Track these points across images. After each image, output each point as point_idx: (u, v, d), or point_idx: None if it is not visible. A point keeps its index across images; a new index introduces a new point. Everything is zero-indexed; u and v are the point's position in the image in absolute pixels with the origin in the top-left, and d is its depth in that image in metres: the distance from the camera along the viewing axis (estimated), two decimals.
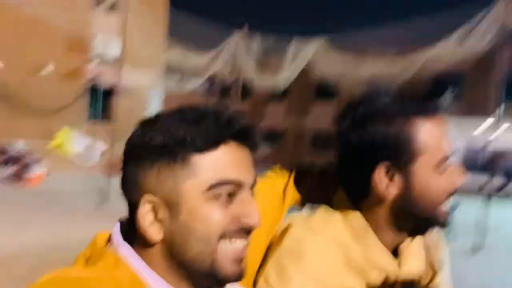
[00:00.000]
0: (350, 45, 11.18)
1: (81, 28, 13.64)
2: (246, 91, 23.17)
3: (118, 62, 10.16)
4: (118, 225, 0.66)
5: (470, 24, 8.88)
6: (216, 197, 0.61)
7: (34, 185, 11.16)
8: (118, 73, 10.53)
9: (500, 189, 19.63)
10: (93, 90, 15.01)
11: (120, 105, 15.41)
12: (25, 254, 5.45)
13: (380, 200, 0.86)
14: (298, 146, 28.04)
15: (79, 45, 14.02)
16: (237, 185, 0.62)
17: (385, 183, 0.84)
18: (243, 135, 0.64)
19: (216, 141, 0.61)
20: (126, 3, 9.85)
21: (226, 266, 0.62)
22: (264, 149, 28.42)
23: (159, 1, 14.99)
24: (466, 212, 12.04)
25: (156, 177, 0.61)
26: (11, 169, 11.81)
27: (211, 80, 23.53)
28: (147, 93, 16.41)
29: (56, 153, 13.56)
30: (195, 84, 16.22)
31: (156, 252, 0.62)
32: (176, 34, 15.06)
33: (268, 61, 13.09)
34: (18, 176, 11.61)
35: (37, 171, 11.50)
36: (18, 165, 11.89)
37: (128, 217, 0.65)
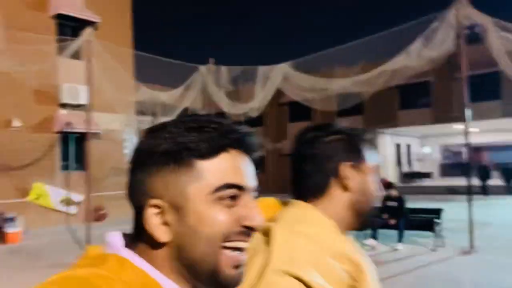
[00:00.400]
0: (314, 66, 11.51)
1: (47, 79, 13.52)
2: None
3: (87, 109, 10.05)
4: (113, 233, 0.68)
5: (427, 32, 9.25)
6: (220, 200, 0.64)
7: (13, 242, 10.78)
8: (88, 120, 10.42)
9: (482, 190, 20.09)
10: (64, 140, 14.77)
11: (93, 152, 15.19)
12: None
13: None
14: (279, 169, 28.13)
15: (46, 96, 13.86)
16: (240, 189, 0.65)
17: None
18: (244, 143, 0.67)
19: (219, 148, 0.64)
20: (89, 50, 9.86)
21: (227, 270, 0.64)
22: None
23: (123, 45, 15.07)
24: (453, 215, 12.27)
25: (162, 182, 0.64)
26: None
27: (185, 114, 23.52)
28: (121, 136, 16.26)
29: (35, 207, 13.18)
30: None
31: (162, 255, 0.64)
32: (143, 75, 15.13)
33: (238, 90, 13.25)
34: None
35: (14, 229, 11.14)
36: None
37: (134, 223, 0.67)
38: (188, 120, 0.66)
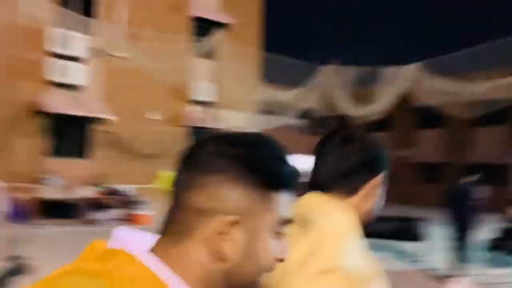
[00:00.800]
0: (446, 69, 10.45)
1: (181, 76, 14.70)
2: (343, 124, 22.78)
3: (214, 106, 10.62)
4: (120, 228, 0.67)
5: None
6: (278, 234, 0.67)
7: (142, 224, 11.88)
8: (217, 116, 10.99)
9: None
10: (194, 133, 15.89)
11: None
12: None
13: None
14: (405, 178, 26.49)
15: (180, 93, 15.07)
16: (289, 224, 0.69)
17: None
18: (295, 181, 0.70)
19: (291, 183, 0.67)
20: (219, 50, 10.40)
21: None
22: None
23: (252, 45, 15.65)
24: None
25: (248, 201, 0.63)
26: (120, 210, 12.78)
27: (307, 115, 23.63)
28: None
29: (163, 195, 14.41)
30: (288, 121, 16.36)
31: (202, 268, 0.63)
32: (268, 75, 15.50)
33: (362, 92, 12.75)
34: (126, 216, 12.51)
35: (144, 212, 12.28)
36: (127, 206, 12.84)
37: (172, 223, 0.64)
38: (274, 147, 0.67)
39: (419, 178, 26.12)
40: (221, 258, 0.62)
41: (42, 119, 12.66)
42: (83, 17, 12.89)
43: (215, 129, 15.35)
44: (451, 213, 6.92)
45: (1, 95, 10.74)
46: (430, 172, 25.26)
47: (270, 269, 0.66)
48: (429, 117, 23.34)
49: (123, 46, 12.90)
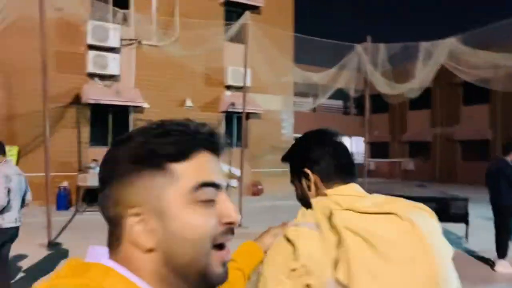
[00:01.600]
0: (488, 40, 9.87)
1: (214, 62, 14.76)
2: (380, 103, 22.21)
3: (247, 90, 10.62)
4: (94, 246, 0.68)
5: None
6: (199, 202, 0.63)
7: None
8: (248, 100, 10.99)
9: None
10: (229, 119, 15.98)
11: (253, 131, 16.10)
12: None
13: None
14: (447, 157, 25.62)
15: (214, 78, 15.15)
16: (215, 187, 0.65)
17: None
18: (212, 143, 0.68)
19: (188, 149, 0.64)
20: (247, 33, 10.33)
21: (216, 269, 0.64)
22: (412, 162, 26.79)
23: (284, 27, 15.44)
24: None
25: (139, 189, 0.63)
26: None
27: (343, 96, 23.18)
28: (279, 116, 16.84)
29: None
30: (322, 102, 16.13)
31: (145, 263, 0.63)
32: (301, 56, 15.27)
33: (399, 69, 12.33)
34: None
35: None
36: None
37: (109, 237, 0.66)
38: (154, 127, 0.66)
39: (464, 156, 25.16)
40: (148, 251, 0.62)
41: (83, 109, 13.12)
42: (115, 8, 13.13)
43: (250, 113, 15.39)
44: (490, 191, 6.63)
45: (39, 89, 11.25)
46: (476, 150, 24.25)
47: (212, 239, 0.63)
48: (473, 92, 22.30)
49: (155, 35, 13.07)
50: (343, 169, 1.20)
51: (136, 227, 0.62)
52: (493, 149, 23.19)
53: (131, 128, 14.05)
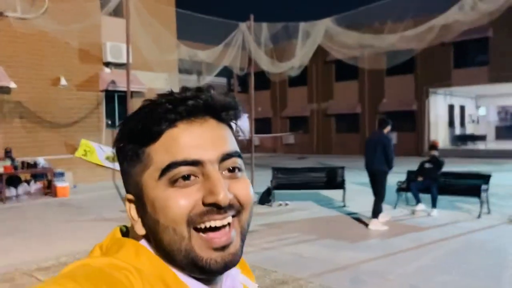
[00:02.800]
0: (359, 22, 10.85)
1: (90, 37, 13.74)
2: (263, 81, 22.99)
3: (128, 67, 10.15)
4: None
5: None
6: (172, 183, 0.59)
7: (63, 196, 11.37)
8: (130, 78, 10.53)
9: None
10: (110, 98, 15.13)
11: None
12: (55, 263, 5.53)
13: None
14: (324, 130, 27.71)
15: (91, 55, 14.12)
16: (193, 165, 0.59)
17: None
18: (198, 111, 0.61)
19: (159, 129, 0.59)
20: (128, 7, 9.82)
21: (203, 253, 0.59)
22: (292, 135, 28.39)
23: (165, 3, 14.94)
24: (506, 181, 11.62)
25: (128, 176, 0.64)
26: (37, 184, 12.11)
27: (227, 73, 23.47)
28: None
29: (83, 163, 13.79)
30: (209, 80, 16.17)
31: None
32: (185, 33, 15.01)
33: (279, 48, 12.87)
34: (47, 189, 11.90)
35: (64, 184, 11.72)
36: (46, 179, 12.18)
37: None
38: (144, 105, 0.62)
39: (338, 129, 27.44)
40: (142, 236, 0.63)
41: None
42: None
43: (133, 92, 14.75)
44: (368, 159, 7.41)
45: None
46: (348, 123, 26.61)
47: (188, 222, 0.58)
48: (344, 69, 24.30)
49: (19, 6, 11.68)
50: None
51: (130, 213, 0.64)
52: (363, 122, 25.74)
53: (1, 111, 12.54)
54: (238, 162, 0.62)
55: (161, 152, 0.59)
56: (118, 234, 0.66)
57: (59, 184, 11.58)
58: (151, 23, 11.87)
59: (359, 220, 7.96)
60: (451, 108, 25.92)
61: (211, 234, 0.59)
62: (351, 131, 26.29)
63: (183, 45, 13.46)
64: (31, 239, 7.02)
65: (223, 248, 0.59)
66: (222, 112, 0.63)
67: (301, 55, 11.12)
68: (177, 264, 0.60)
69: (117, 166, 8.73)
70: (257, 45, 11.56)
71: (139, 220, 0.62)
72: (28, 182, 11.99)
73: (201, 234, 0.59)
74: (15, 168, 11.24)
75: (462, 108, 27.31)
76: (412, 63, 21.87)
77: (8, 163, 11.07)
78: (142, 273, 0.57)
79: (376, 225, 7.24)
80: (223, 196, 0.58)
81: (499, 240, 6.53)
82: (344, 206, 9.25)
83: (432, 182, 8.35)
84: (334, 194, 10.08)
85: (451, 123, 25.89)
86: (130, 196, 0.63)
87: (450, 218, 8.01)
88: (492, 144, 25.84)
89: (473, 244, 6.35)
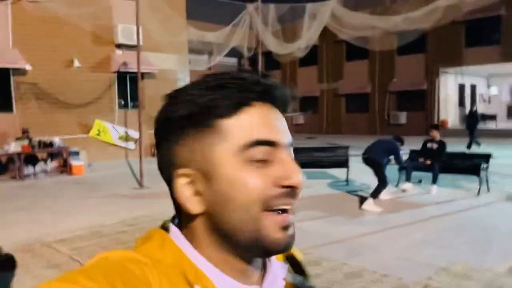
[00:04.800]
0: (364, 2, 10.93)
1: (102, 20, 14.00)
2: (273, 61, 23.08)
3: (139, 49, 10.41)
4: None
5: None
6: (251, 161, 0.57)
7: (77, 174, 11.85)
8: (141, 60, 10.80)
9: None
10: (121, 80, 15.47)
11: (149, 91, 15.83)
12: (71, 236, 5.95)
13: None
14: (333, 110, 27.77)
15: (103, 37, 14.42)
16: (272, 145, 0.58)
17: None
18: (271, 95, 0.61)
19: (240, 103, 0.58)
20: None
21: (272, 233, 0.58)
22: (302, 115, 28.50)
23: None
24: (502, 160, 11.76)
25: (188, 148, 0.59)
26: (53, 162, 12.58)
27: (237, 53, 23.54)
28: (174, 75, 16.72)
29: (97, 143, 14.25)
30: (217, 60, 16.34)
31: (199, 228, 0.60)
32: (192, 14, 15.14)
33: (287, 28, 12.99)
34: (63, 168, 12.37)
35: (78, 162, 12.19)
36: (62, 158, 12.65)
37: (172, 199, 0.62)
38: (209, 80, 0.60)
39: (348, 109, 27.48)
40: (197, 215, 0.60)
41: None
42: None
43: (144, 73, 15.04)
44: (369, 150, 7.69)
45: None
46: (358, 102, 26.63)
47: (264, 203, 0.57)
48: (355, 49, 24.21)
49: None
50: None
51: (184, 189, 0.59)
52: (372, 102, 25.75)
53: (13, 92, 12.98)
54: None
55: (238, 128, 0.58)
56: (157, 227, 0.64)
57: (74, 162, 12.06)
58: (161, 5, 12.07)
59: (360, 197, 8.26)
60: (461, 87, 25.76)
61: (280, 216, 0.58)
62: (361, 111, 26.35)
63: (192, 26, 13.64)
64: (48, 213, 7.46)
65: (287, 228, 0.59)
66: (288, 103, 0.64)
67: (307, 36, 11.25)
68: (234, 244, 0.59)
69: (129, 145, 9.20)
70: (264, 26, 11.71)
71: (196, 197, 0.59)
72: (45, 161, 12.47)
73: (272, 214, 0.58)
74: (33, 147, 11.72)
75: (473, 88, 27.11)
76: (423, 42, 21.76)
77: (25, 142, 11.54)
78: (161, 264, 0.56)
79: (369, 205, 7.42)
80: (301, 180, 0.59)
81: (494, 217, 6.78)
82: (347, 184, 9.55)
83: (436, 161, 8.58)
84: (339, 173, 10.37)
85: (461, 103, 25.78)
86: (188, 171, 0.59)
87: (449, 196, 8.26)
88: (503, 123, 25.70)
89: (468, 220, 6.61)
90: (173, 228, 0.62)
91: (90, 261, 0.55)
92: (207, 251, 0.60)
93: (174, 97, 0.61)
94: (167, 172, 0.61)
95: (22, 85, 12.89)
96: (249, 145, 0.57)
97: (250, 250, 0.60)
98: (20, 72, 12.80)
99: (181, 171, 0.59)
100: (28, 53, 12.80)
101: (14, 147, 11.27)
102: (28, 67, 12.68)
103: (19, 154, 11.26)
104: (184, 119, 0.59)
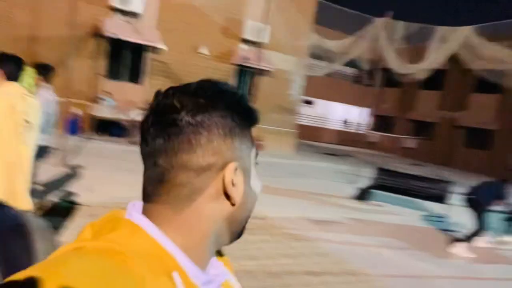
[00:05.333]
0: (501, 34, 10.01)
1: (234, 15, 14.85)
2: (391, 78, 22.28)
3: (265, 47, 10.83)
4: (135, 202, 0.66)
5: None
6: (256, 165, 0.71)
7: None
8: (265, 57, 11.20)
9: None
10: (240, 73, 16.26)
11: (263, 87, 16.40)
12: None
13: None
14: (450, 140, 25.90)
15: (231, 30, 15.30)
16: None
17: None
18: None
19: (256, 116, 0.69)
20: None
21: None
22: (414, 140, 27.07)
23: None
24: None
25: (236, 144, 0.64)
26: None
27: (355, 65, 23.13)
28: (290, 76, 17.08)
29: None
30: (334, 68, 16.28)
31: (198, 218, 0.63)
32: (322, 21, 15.27)
33: (411, 48, 12.48)
34: None
35: None
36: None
37: (162, 184, 0.63)
38: (234, 87, 0.68)
39: (466, 143, 25.42)
40: (233, 205, 0.65)
41: (101, 42, 13.42)
42: None
43: (261, 70, 15.63)
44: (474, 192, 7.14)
45: (63, 16, 11.39)
46: (479, 138, 24.48)
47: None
48: (486, 82, 22.29)
49: None
50: None
51: (232, 179, 0.63)
52: (498, 140, 23.43)
53: (146, 66, 14.43)
54: None
55: (252, 138, 0.70)
56: (114, 215, 0.64)
57: None
58: (289, 6, 12.39)
59: (452, 238, 7.70)
60: None
61: None
62: (481, 147, 24.18)
63: (316, 29, 13.74)
64: None
65: None
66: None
67: (431, 60, 10.71)
68: (234, 231, 0.68)
69: None
70: (389, 43, 11.42)
71: (234, 188, 0.64)
72: None
73: None
74: None
75: None
76: None
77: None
78: (138, 254, 0.55)
79: (460, 249, 6.89)
80: None
81: None
82: (441, 221, 8.95)
83: None
84: (436, 207, 9.75)
85: None
86: (235, 164, 0.64)
87: None
88: None
89: None
90: (138, 216, 0.62)
91: (65, 248, 0.57)
92: (185, 239, 0.61)
93: (221, 94, 0.66)
94: (208, 159, 0.62)
95: (154, 62, 14.26)
96: (257, 154, 0.70)
97: (233, 237, 0.69)
98: (156, 50, 14.18)
99: (233, 164, 0.63)
100: (165, 34, 14.13)
101: (137, 115, 12.55)
102: (163, 47, 13.99)
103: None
104: (240, 119, 0.66)
